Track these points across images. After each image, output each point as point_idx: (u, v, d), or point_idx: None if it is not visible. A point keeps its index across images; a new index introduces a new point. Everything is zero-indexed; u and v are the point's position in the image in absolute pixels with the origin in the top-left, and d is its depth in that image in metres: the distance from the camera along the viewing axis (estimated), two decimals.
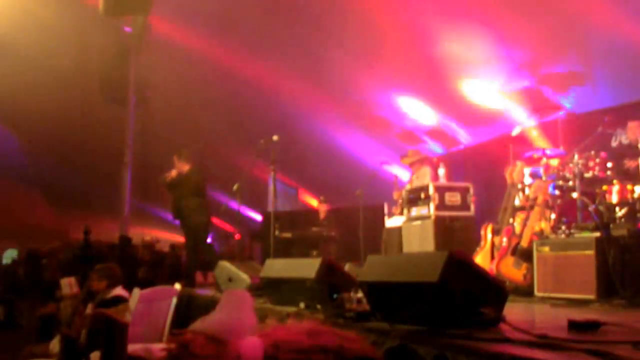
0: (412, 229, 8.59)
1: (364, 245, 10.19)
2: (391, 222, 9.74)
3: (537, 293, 6.18)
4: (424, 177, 9.30)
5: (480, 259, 7.27)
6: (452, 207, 8.26)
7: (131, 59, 10.30)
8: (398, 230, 9.12)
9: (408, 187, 9.44)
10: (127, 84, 10.35)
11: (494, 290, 3.68)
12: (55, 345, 6.01)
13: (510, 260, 6.90)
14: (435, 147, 13.93)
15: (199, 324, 2.46)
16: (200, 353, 2.22)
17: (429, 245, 8.07)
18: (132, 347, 4.99)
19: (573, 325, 3.43)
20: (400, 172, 10.87)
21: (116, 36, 10.47)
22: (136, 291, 6.21)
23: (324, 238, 11.12)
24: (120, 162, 10.93)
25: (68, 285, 7.76)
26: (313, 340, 2.70)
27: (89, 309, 6.14)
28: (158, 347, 5.45)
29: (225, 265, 7.71)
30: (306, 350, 2.62)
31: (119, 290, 6.44)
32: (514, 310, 4.97)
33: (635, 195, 7.20)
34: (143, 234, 20.03)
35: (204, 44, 10.79)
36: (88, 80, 11.51)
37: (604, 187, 7.33)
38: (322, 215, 11.79)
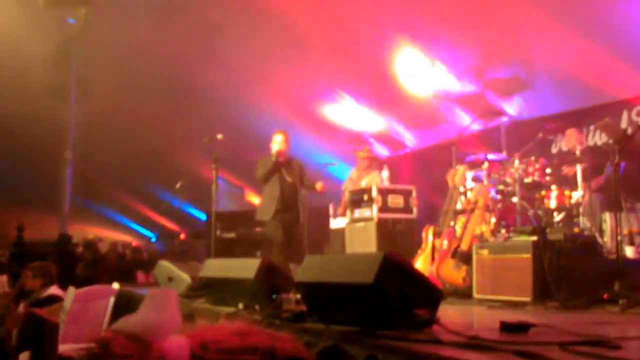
0: (355, 230, 8.61)
1: (308, 246, 10.17)
2: (336, 224, 9.75)
3: (475, 295, 6.24)
4: (373, 180, 9.30)
5: (421, 261, 7.32)
6: (395, 210, 8.31)
7: (73, 52, 10.08)
8: (342, 231, 9.13)
9: (350, 184, 9.48)
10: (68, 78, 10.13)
11: (429, 292, 3.70)
12: None
13: (450, 262, 6.96)
14: (381, 150, 14.01)
15: (121, 324, 2.41)
16: (120, 352, 2.17)
17: (372, 247, 8.10)
18: (64, 347, 4.86)
19: (505, 327, 3.46)
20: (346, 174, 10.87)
21: (58, 28, 10.22)
22: (71, 290, 6.04)
23: (268, 239, 11.04)
24: (61, 159, 10.71)
25: None
26: (243, 340, 2.67)
27: (22, 308, 5.98)
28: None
29: (165, 265, 7.62)
30: (236, 350, 2.59)
31: (53, 290, 6.29)
32: (451, 312, 5.03)
33: (573, 201, 7.36)
34: (85, 232, 19.69)
35: (146, 38, 10.61)
36: (28, 74, 11.23)
37: (543, 193, 7.48)
38: (256, 217, 11.71)
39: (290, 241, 8.61)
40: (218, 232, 9.89)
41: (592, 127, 9.57)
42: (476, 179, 7.92)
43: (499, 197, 7.66)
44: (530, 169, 7.55)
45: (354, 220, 8.64)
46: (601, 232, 7.30)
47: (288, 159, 8.74)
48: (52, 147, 11.61)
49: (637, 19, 8.39)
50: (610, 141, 8.28)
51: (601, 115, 8.50)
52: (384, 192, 8.32)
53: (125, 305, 7.19)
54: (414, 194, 8.50)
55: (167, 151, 15.53)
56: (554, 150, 9.97)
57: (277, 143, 8.59)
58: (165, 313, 2.34)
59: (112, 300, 6.37)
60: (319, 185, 8.72)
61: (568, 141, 8.56)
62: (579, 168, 7.56)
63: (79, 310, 6.05)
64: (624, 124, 9.21)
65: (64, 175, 10.73)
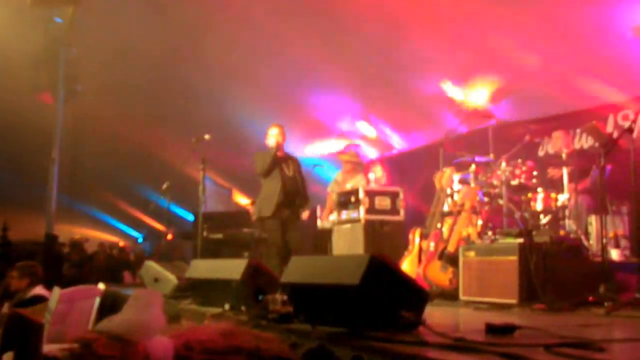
0: (342, 232, 8.62)
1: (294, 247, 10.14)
2: (323, 225, 9.76)
3: (462, 297, 6.26)
4: (358, 184, 9.29)
5: (408, 262, 7.33)
6: (382, 211, 8.33)
7: (60, 52, 10.02)
8: (329, 232, 9.14)
9: (335, 187, 9.48)
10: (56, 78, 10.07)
11: (415, 294, 3.70)
12: None
13: (437, 264, 6.97)
14: (369, 152, 14.02)
15: (105, 324, 2.40)
16: (104, 353, 2.15)
17: (359, 248, 8.11)
18: (49, 348, 4.83)
19: (490, 329, 3.47)
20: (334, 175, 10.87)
21: (45, 27, 10.15)
22: (56, 290, 6.02)
23: (256, 240, 11.01)
24: (48, 158, 10.65)
25: None
26: (228, 341, 2.66)
27: (6, 308, 5.95)
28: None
29: (152, 266, 7.58)
30: (221, 351, 2.58)
31: (39, 290, 6.27)
32: (437, 314, 5.04)
33: (559, 204, 7.39)
34: (72, 232, 19.59)
35: (134, 37, 10.56)
36: (15, 73, 11.15)
37: (529, 195, 7.50)
38: (254, 216, 11.68)
39: (289, 242, 8.32)
40: (205, 233, 9.84)
41: (578, 131, 9.61)
42: (463, 181, 7.94)
43: (485, 199, 7.68)
44: (517, 171, 7.57)
45: (341, 222, 8.65)
46: (587, 234, 7.34)
47: (286, 154, 8.54)
48: (39, 146, 11.55)
49: (621, 24, 8.44)
50: (597, 144, 8.32)
51: (588, 119, 8.54)
52: (371, 194, 8.33)
53: (111, 305, 7.15)
54: (401, 195, 8.51)
55: (154, 151, 15.47)
56: (540, 153, 10.00)
57: (273, 136, 8.36)
58: (149, 313, 2.33)
59: (97, 300, 6.34)
60: (304, 215, 8.64)
61: (555, 144, 8.59)
62: (565, 171, 7.59)
63: (64, 310, 6.01)
64: (610, 127, 9.26)
65: (51, 175, 10.67)
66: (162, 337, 2.24)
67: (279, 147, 8.33)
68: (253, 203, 12.04)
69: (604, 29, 8.63)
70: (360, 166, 9.88)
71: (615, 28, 8.54)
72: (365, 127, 13.34)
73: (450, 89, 10.97)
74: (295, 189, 8.42)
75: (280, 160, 8.38)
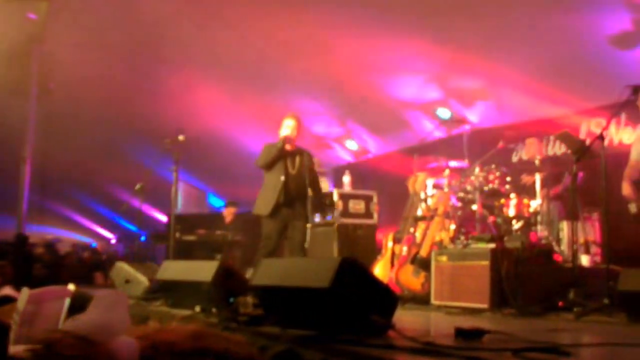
0: (315, 235, 8.60)
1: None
2: None
3: (433, 301, 6.29)
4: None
5: (381, 266, 7.35)
6: (356, 215, 8.35)
7: (34, 49, 9.89)
8: None
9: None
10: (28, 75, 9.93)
11: (385, 298, 3.70)
12: None
13: (409, 268, 7.00)
14: (344, 155, 14.03)
15: (70, 324, 2.37)
16: (67, 353, 2.12)
17: (332, 252, 8.13)
18: (15, 349, 4.76)
19: (459, 333, 3.48)
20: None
21: (18, 23, 10.00)
22: (25, 291, 5.92)
23: (229, 242, 10.98)
24: (19, 157, 10.49)
25: None
26: (196, 343, 2.63)
27: None
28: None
29: (123, 267, 7.51)
30: (187, 353, 2.55)
31: (7, 290, 6.16)
32: (408, 318, 5.05)
33: (531, 210, 7.45)
34: (43, 232, 19.39)
35: (107, 35, 10.45)
36: None
37: (502, 201, 7.55)
38: (227, 218, 11.65)
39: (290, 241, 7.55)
40: (178, 235, 9.79)
41: (551, 138, 9.69)
42: (437, 186, 7.99)
43: (459, 204, 7.74)
44: (491, 177, 7.63)
45: (314, 225, 8.64)
46: (558, 240, 7.42)
47: (297, 149, 7.65)
48: (9, 145, 11.38)
49: (597, 32, 8.53)
50: (569, 152, 8.40)
51: (561, 126, 8.62)
52: (345, 197, 8.35)
53: (80, 306, 7.04)
54: (375, 199, 8.54)
55: (127, 151, 15.34)
56: (514, 159, 10.09)
57: (287, 128, 7.53)
58: (113, 314, 2.30)
59: (67, 301, 6.25)
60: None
61: (528, 150, 8.66)
62: (538, 177, 7.66)
63: (32, 311, 5.91)
64: (582, 135, 9.35)
65: (22, 174, 10.51)
66: (128, 338, 2.21)
67: (288, 140, 7.47)
68: (229, 205, 12.04)
69: (579, 38, 8.71)
70: (322, 174, 9.84)
71: (590, 37, 8.63)
72: (350, 144, 13.40)
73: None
74: (299, 188, 7.49)
75: (287, 154, 7.55)
